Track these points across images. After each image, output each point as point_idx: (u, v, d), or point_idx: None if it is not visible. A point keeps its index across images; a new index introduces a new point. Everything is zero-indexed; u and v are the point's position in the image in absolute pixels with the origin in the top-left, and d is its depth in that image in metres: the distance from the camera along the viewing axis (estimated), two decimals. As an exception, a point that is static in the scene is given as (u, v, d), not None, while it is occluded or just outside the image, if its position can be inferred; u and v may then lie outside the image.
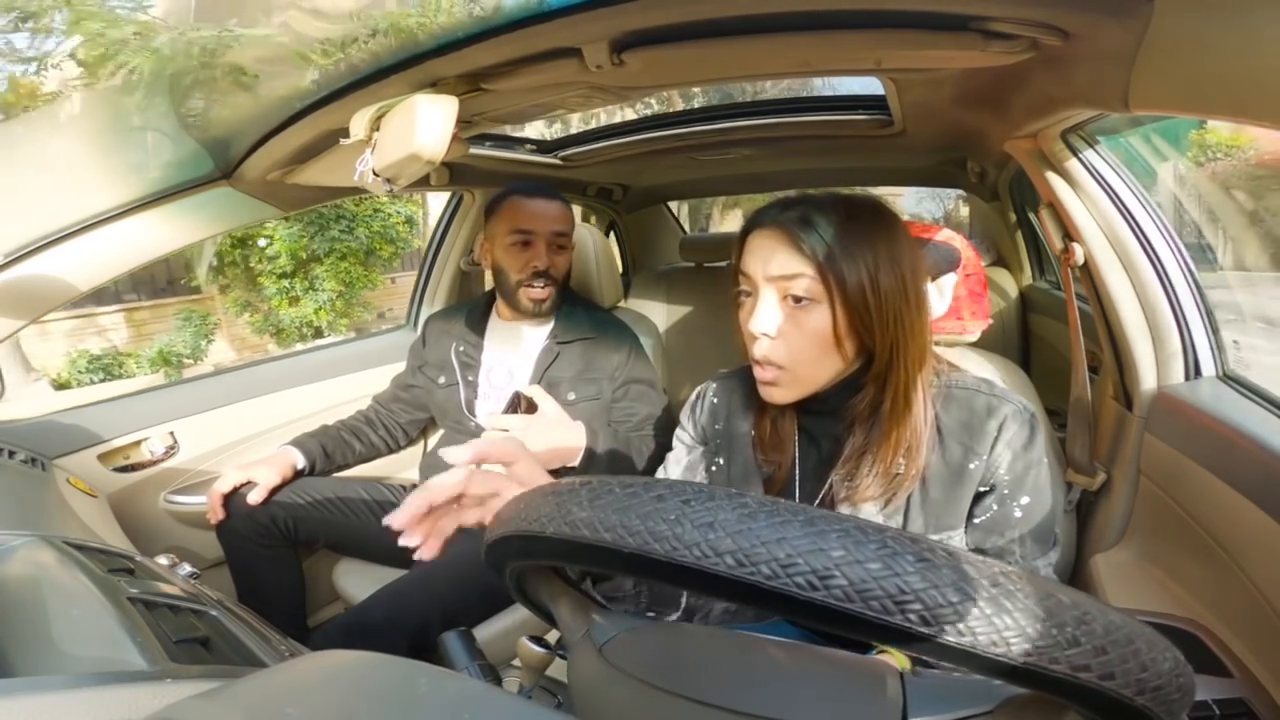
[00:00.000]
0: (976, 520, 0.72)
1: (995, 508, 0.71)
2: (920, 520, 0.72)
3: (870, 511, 0.73)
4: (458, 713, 0.30)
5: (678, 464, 0.88)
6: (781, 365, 0.70)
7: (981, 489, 0.71)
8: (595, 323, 1.41)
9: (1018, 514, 0.70)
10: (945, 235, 1.02)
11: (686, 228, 2.87)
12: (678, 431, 0.90)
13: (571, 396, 1.33)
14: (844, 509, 0.74)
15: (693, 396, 0.89)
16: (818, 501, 0.77)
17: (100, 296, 6.94)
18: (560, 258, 1.37)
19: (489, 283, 1.50)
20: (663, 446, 1.24)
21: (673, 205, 2.81)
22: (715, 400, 0.87)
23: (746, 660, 0.40)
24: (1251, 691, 0.71)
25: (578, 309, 1.43)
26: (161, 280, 7.44)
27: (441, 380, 1.43)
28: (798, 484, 0.79)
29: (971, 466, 0.70)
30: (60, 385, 6.08)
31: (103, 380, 6.21)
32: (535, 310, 1.36)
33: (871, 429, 0.73)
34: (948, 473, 0.71)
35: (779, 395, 0.73)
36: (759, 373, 0.73)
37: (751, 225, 0.72)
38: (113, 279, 1.19)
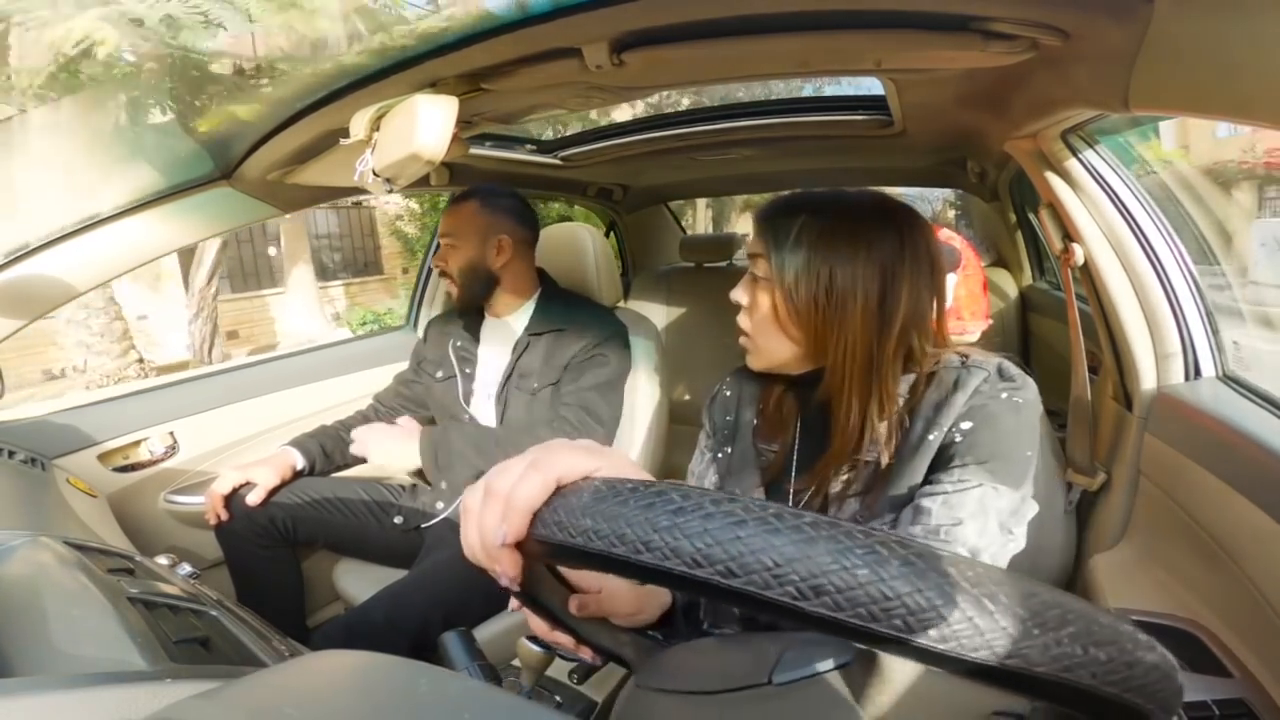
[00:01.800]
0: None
1: (940, 444, 0.68)
2: (882, 501, 0.70)
3: (850, 504, 0.73)
4: (458, 713, 0.30)
5: (692, 474, 0.89)
6: (747, 333, 0.77)
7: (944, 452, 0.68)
8: (569, 313, 1.42)
9: (958, 438, 0.67)
10: (945, 235, 1.02)
11: (710, 231, 2.89)
12: (701, 435, 0.91)
13: (535, 385, 1.35)
14: (834, 497, 0.74)
15: (711, 393, 0.91)
16: (809, 492, 0.77)
17: (325, 273, 9.43)
18: (450, 254, 1.39)
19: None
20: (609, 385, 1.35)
21: (700, 207, 2.83)
22: (728, 393, 0.89)
23: (691, 652, 0.44)
24: (1251, 691, 0.71)
25: (554, 301, 1.45)
26: (360, 263, 9.96)
27: (440, 374, 1.47)
28: (793, 473, 0.79)
29: (930, 438, 0.68)
30: (354, 329, 8.54)
31: (375, 330, 8.78)
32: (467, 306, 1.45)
33: (835, 432, 0.73)
34: (907, 449, 0.70)
35: (750, 361, 0.80)
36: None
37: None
38: (113, 279, 1.19)
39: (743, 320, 0.78)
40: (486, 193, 1.41)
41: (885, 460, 0.71)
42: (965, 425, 0.67)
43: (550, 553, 0.36)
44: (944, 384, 0.70)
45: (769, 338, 0.75)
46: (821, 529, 0.29)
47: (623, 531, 0.31)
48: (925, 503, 0.65)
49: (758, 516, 0.29)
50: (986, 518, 0.63)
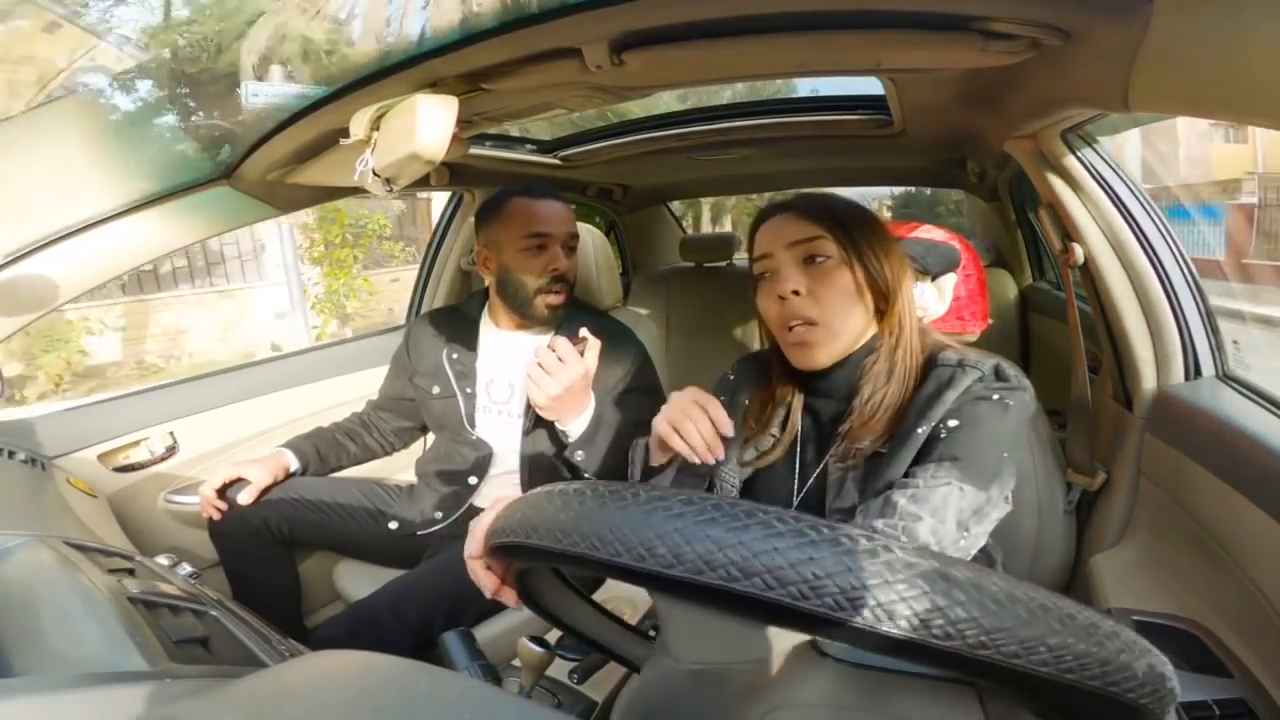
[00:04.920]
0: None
1: (926, 438, 0.70)
2: (871, 489, 0.72)
3: (850, 489, 0.75)
4: (458, 713, 0.30)
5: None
6: (815, 320, 0.75)
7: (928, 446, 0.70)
8: (599, 329, 1.36)
9: (942, 434, 0.69)
10: (924, 232, 1.03)
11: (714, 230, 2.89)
12: None
13: None
14: (833, 483, 0.76)
15: (718, 379, 0.94)
16: (812, 479, 0.79)
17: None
18: (572, 261, 1.32)
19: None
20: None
21: (704, 209, 2.84)
22: (731, 377, 0.92)
23: None
24: (1251, 691, 0.71)
25: (580, 315, 1.37)
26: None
27: (436, 391, 1.36)
28: (798, 459, 0.81)
29: (919, 431, 0.70)
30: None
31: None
32: (550, 317, 1.30)
33: (873, 393, 0.75)
34: (899, 440, 0.72)
35: (819, 356, 0.76)
36: (789, 338, 0.77)
37: (762, 217, 0.80)
38: (112, 279, 1.19)
39: (806, 309, 0.75)
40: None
41: (879, 448, 0.73)
42: (952, 423, 0.69)
43: (500, 556, 0.44)
44: (939, 381, 0.72)
45: (848, 314, 0.75)
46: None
47: (524, 525, 0.39)
48: (895, 495, 0.67)
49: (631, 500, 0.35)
50: (945, 515, 0.65)
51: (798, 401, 0.83)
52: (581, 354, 1.04)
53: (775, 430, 0.83)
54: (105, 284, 1.19)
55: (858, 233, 0.76)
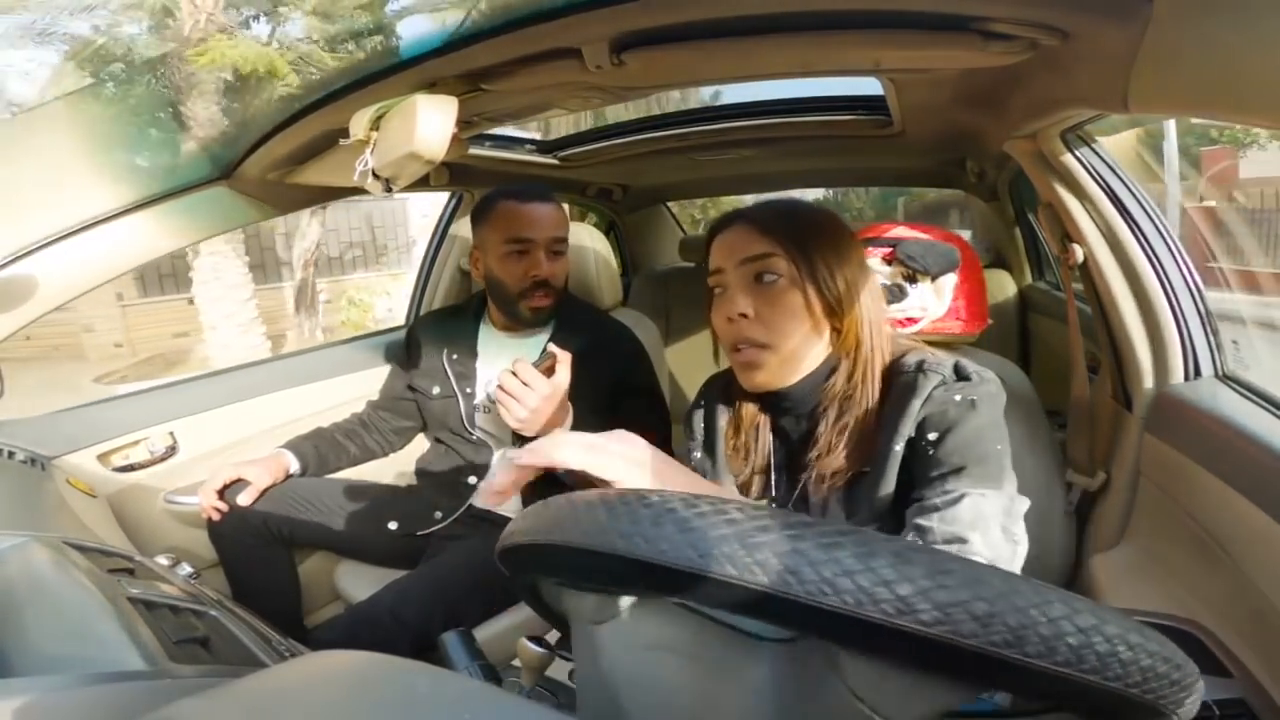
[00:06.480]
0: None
1: (916, 457, 0.67)
2: (861, 510, 0.71)
3: (836, 511, 0.73)
4: (458, 713, 0.30)
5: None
6: (762, 343, 0.72)
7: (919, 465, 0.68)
8: (595, 328, 1.35)
9: (929, 451, 0.66)
10: (899, 232, 1.03)
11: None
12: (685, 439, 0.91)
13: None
14: (815, 506, 0.75)
15: (689, 407, 0.91)
16: (792, 503, 0.77)
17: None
18: (559, 265, 1.29)
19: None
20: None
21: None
22: (704, 401, 0.89)
23: None
24: (1251, 691, 0.71)
25: (576, 314, 1.38)
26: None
27: (436, 391, 1.37)
28: (773, 485, 0.80)
29: (896, 448, 0.68)
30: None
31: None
32: (536, 319, 1.30)
33: (839, 416, 0.73)
34: (878, 456, 0.70)
35: (761, 377, 0.74)
36: (737, 358, 0.75)
37: (717, 228, 0.77)
38: (112, 279, 1.19)
39: (754, 332, 0.72)
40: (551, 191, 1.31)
41: (860, 468, 0.71)
42: (931, 435, 0.67)
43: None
44: (902, 387, 0.70)
45: (797, 336, 0.72)
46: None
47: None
48: (922, 521, 0.64)
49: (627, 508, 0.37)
50: (987, 526, 0.62)
51: (764, 422, 0.80)
52: (551, 371, 1.01)
53: (752, 454, 0.81)
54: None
55: (813, 247, 0.72)
